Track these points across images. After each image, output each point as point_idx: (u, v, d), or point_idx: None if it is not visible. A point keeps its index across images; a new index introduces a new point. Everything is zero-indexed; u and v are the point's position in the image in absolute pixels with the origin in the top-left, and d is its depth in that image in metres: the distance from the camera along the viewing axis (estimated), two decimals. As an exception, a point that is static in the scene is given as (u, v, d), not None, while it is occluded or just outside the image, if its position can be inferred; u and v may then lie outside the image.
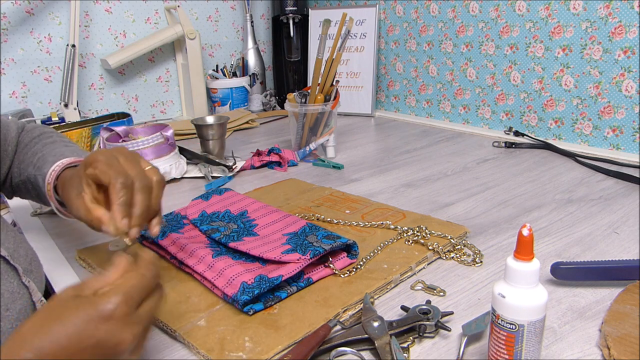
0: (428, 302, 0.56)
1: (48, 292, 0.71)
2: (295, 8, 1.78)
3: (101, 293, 0.40)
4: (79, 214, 0.56)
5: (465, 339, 0.51)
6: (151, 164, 0.58)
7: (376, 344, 0.49)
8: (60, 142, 0.73)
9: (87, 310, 0.38)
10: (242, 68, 1.82)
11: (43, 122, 1.38)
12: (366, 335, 0.51)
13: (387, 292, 0.63)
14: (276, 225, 0.74)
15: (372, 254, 0.69)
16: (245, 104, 1.78)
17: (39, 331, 0.38)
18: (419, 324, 0.53)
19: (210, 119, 1.22)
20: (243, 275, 0.59)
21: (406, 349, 0.51)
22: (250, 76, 1.80)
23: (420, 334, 0.53)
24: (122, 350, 0.39)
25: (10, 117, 0.74)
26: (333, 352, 0.51)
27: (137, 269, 0.43)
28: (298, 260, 0.62)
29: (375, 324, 0.52)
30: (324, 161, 1.17)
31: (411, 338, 0.53)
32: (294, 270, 0.60)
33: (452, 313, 0.56)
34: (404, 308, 0.57)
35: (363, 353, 0.51)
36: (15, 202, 1.01)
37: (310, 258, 0.62)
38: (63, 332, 0.37)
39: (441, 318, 0.53)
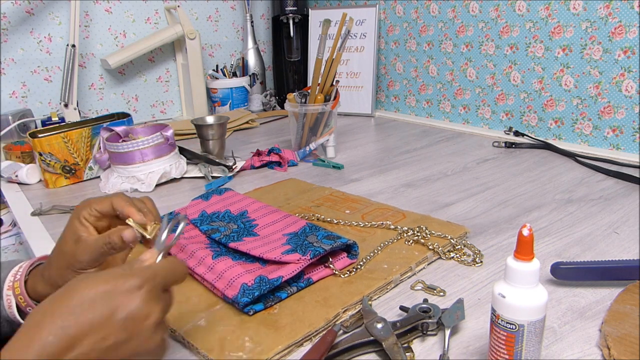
0: (425, 300, 0.56)
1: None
2: (295, 8, 1.78)
3: (131, 269, 0.39)
4: (89, 249, 0.49)
5: (449, 331, 0.52)
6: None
7: (384, 345, 0.49)
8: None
9: (117, 282, 0.37)
10: (242, 68, 1.82)
11: (43, 122, 1.38)
12: (372, 338, 0.51)
13: (387, 292, 0.63)
14: (276, 226, 0.74)
15: (372, 254, 0.69)
16: (245, 104, 1.78)
17: (61, 309, 0.36)
18: (421, 322, 0.53)
19: (210, 119, 1.22)
20: (243, 277, 0.59)
21: (408, 349, 0.51)
22: (250, 76, 1.80)
23: (424, 332, 0.53)
24: (151, 324, 0.37)
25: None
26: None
27: (167, 259, 0.43)
28: (298, 260, 0.62)
29: (379, 325, 0.52)
30: (324, 161, 1.17)
31: (412, 338, 0.53)
32: (294, 270, 0.60)
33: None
34: (402, 308, 0.57)
35: (370, 356, 0.51)
36: (15, 202, 1.01)
37: (311, 258, 0.62)
38: (90, 306, 0.36)
39: (442, 314, 0.54)
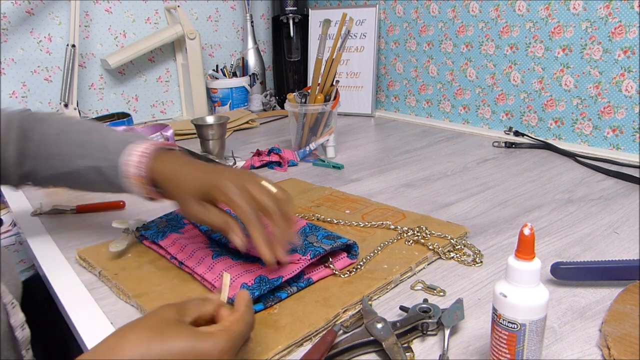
0: (425, 300, 0.56)
1: (25, 297, 0.71)
2: (295, 8, 1.78)
3: (210, 332, 0.40)
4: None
5: (448, 330, 0.51)
6: (270, 183, 0.59)
7: (384, 345, 0.49)
8: (97, 125, 0.72)
9: (193, 342, 0.38)
10: (242, 68, 1.82)
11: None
12: (372, 338, 0.51)
13: (387, 292, 0.62)
14: None
15: (372, 254, 0.69)
16: (245, 104, 1.78)
17: (137, 345, 0.37)
18: (421, 322, 0.53)
19: (210, 119, 1.22)
20: (243, 277, 0.59)
21: (408, 349, 0.51)
22: (250, 76, 1.80)
23: (424, 332, 0.53)
24: None
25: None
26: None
27: (244, 314, 0.43)
28: (298, 260, 0.62)
29: (379, 325, 0.52)
30: (324, 161, 1.17)
31: (412, 338, 0.53)
32: (294, 271, 0.60)
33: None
34: (402, 308, 0.57)
35: (369, 356, 0.51)
36: (15, 202, 1.00)
37: (311, 258, 0.62)
38: (164, 351, 0.37)
39: (442, 314, 0.54)
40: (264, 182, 0.58)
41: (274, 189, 0.58)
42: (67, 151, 0.68)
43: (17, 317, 0.60)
